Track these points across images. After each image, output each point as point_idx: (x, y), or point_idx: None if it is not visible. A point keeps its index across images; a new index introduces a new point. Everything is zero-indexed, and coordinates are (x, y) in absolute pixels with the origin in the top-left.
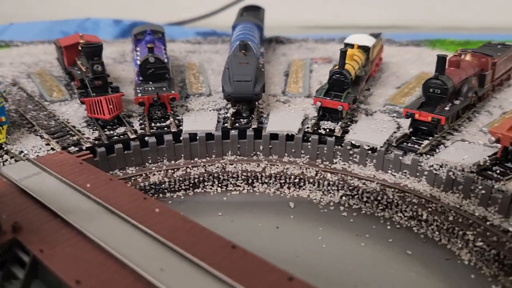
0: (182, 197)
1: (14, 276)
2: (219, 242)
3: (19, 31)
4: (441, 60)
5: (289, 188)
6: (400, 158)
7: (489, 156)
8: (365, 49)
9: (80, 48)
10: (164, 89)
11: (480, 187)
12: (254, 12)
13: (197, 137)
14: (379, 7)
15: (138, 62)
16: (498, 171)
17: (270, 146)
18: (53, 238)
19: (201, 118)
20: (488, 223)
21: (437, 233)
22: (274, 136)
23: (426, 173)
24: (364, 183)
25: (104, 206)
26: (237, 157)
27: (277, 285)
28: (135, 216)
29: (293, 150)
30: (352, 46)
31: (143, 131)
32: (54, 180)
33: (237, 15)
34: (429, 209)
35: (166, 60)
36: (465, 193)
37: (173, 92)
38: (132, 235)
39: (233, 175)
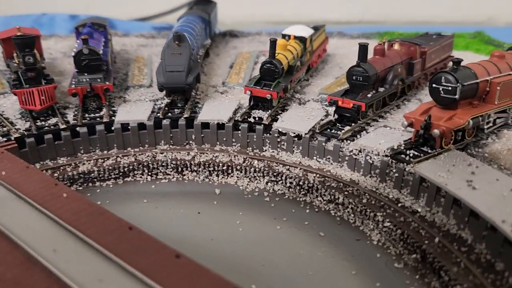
0: (111, 186)
1: None
2: (117, 223)
3: None
4: (362, 48)
5: (217, 175)
6: (323, 144)
7: (404, 141)
8: (301, 40)
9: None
10: (99, 80)
11: (394, 171)
12: (204, 6)
13: (129, 127)
14: (340, 3)
15: (73, 54)
16: (411, 155)
17: (202, 135)
18: None
19: (136, 108)
20: (399, 204)
21: (352, 215)
22: (206, 125)
23: (347, 158)
24: (288, 169)
25: (14, 192)
26: (170, 146)
27: (164, 261)
28: (42, 201)
29: (224, 139)
30: (289, 37)
31: (76, 121)
32: None
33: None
34: (346, 193)
35: (101, 52)
36: (381, 177)
37: (107, 83)
38: (36, 219)
39: (163, 164)
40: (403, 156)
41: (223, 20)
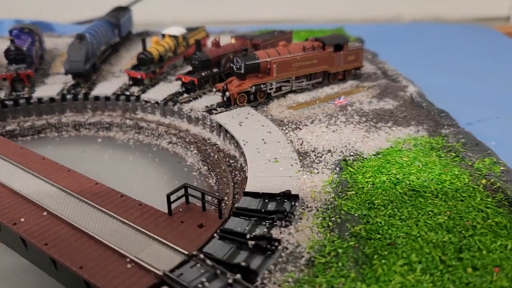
0: (29, 140)
1: None
2: (42, 160)
3: None
4: (197, 42)
5: (102, 131)
6: (171, 107)
7: (218, 102)
8: (175, 37)
9: None
10: (23, 68)
11: (207, 120)
12: (117, 13)
13: (43, 100)
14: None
15: (4, 50)
16: (218, 109)
17: (96, 105)
18: None
19: (50, 88)
20: (208, 141)
21: (180, 149)
22: (97, 98)
23: (184, 115)
24: (148, 124)
25: None
26: (73, 113)
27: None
28: None
29: (111, 107)
30: (163, 36)
31: (5, 97)
32: None
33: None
34: (178, 136)
35: (25, 49)
36: (202, 125)
37: (29, 70)
38: None
39: (66, 124)
40: (213, 111)
41: (142, 22)
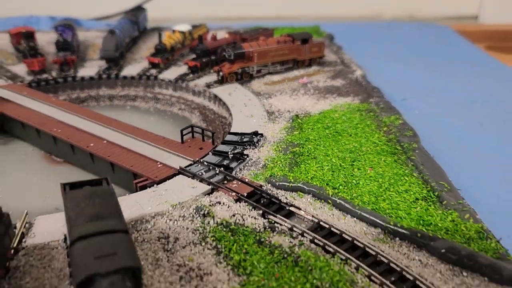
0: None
1: None
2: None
3: None
4: (200, 37)
5: (131, 101)
6: (180, 84)
7: (215, 80)
8: (182, 33)
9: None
10: (69, 55)
11: (207, 93)
12: (135, 12)
13: (84, 78)
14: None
15: (55, 41)
16: (215, 85)
17: (124, 82)
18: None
19: (89, 70)
20: (208, 108)
21: (187, 113)
22: (125, 77)
23: (190, 90)
24: (163, 96)
25: (44, 102)
26: (107, 88)
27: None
28: (57, 103)
29: (135, 84)
30: (174, 31)
31: (56, 76)
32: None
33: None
34: (185, 105)
35: (70, 40)
36: (203, 97)
37: (73, 56)
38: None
39: (104, 96)
40: (211, 86)
41: (153, 19)
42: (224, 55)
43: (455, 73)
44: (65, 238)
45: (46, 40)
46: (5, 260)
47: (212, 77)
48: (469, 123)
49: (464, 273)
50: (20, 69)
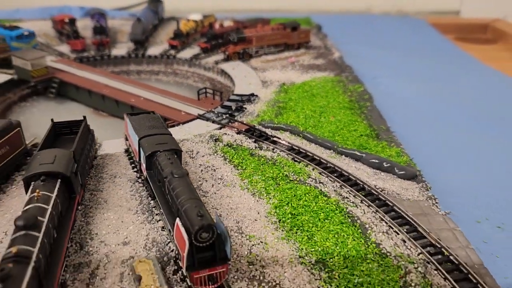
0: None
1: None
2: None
3: (25, 14)
4: (210, 24)
5: (154, 75)
6: (194, 61)
7: (221, 58)
8: (195, 21)
9: (66, 20)
10: (104, 37)
11: (216, 68)
12: (155, 3)
13: (117, 57)
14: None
15: (93, 26)
16: (221, 62)
17: (149, 61)
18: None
19: (120, 50)
20: (213, 79)
21: (199, 84)
22: (150, 56)
23: (203, 66)
24: (180, 71)
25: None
26: (136, 65)
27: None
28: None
29: (158, 61)
30: (188, 20)
31: (94, 55)
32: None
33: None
34: (198, 77)
35: (104, 25)
36: (212, 71)
37: (108, 39)
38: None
39: (135, 71)
40: (219, 63)
41: (169, 10)
42: (229, 39)
43: (422, 58)
44: (126, 150)
45: (80, 26)
46: (92, 161)
47: (219, 56)
48: (420, 94)
49: (382, 174)
50: (64, 48)
